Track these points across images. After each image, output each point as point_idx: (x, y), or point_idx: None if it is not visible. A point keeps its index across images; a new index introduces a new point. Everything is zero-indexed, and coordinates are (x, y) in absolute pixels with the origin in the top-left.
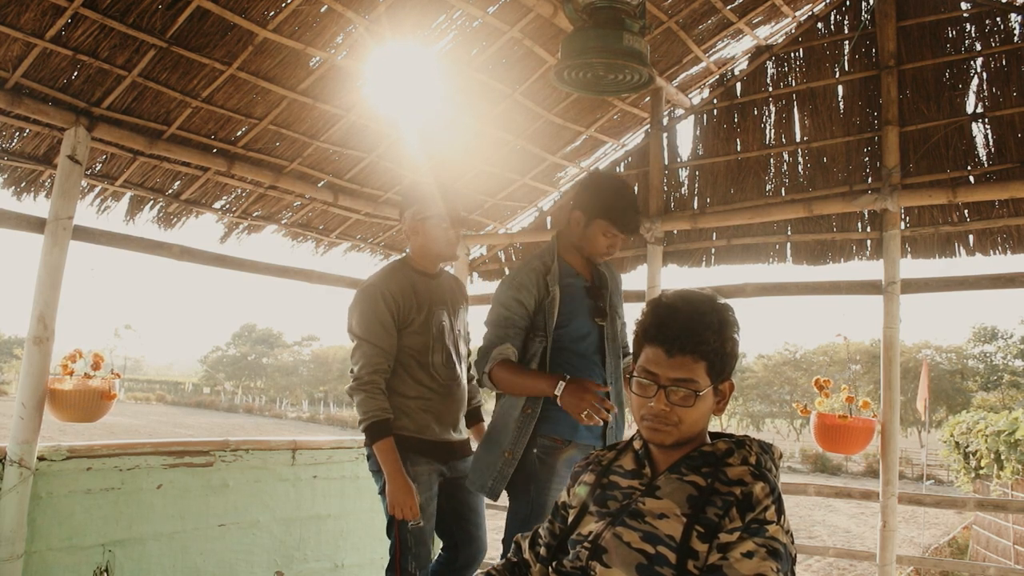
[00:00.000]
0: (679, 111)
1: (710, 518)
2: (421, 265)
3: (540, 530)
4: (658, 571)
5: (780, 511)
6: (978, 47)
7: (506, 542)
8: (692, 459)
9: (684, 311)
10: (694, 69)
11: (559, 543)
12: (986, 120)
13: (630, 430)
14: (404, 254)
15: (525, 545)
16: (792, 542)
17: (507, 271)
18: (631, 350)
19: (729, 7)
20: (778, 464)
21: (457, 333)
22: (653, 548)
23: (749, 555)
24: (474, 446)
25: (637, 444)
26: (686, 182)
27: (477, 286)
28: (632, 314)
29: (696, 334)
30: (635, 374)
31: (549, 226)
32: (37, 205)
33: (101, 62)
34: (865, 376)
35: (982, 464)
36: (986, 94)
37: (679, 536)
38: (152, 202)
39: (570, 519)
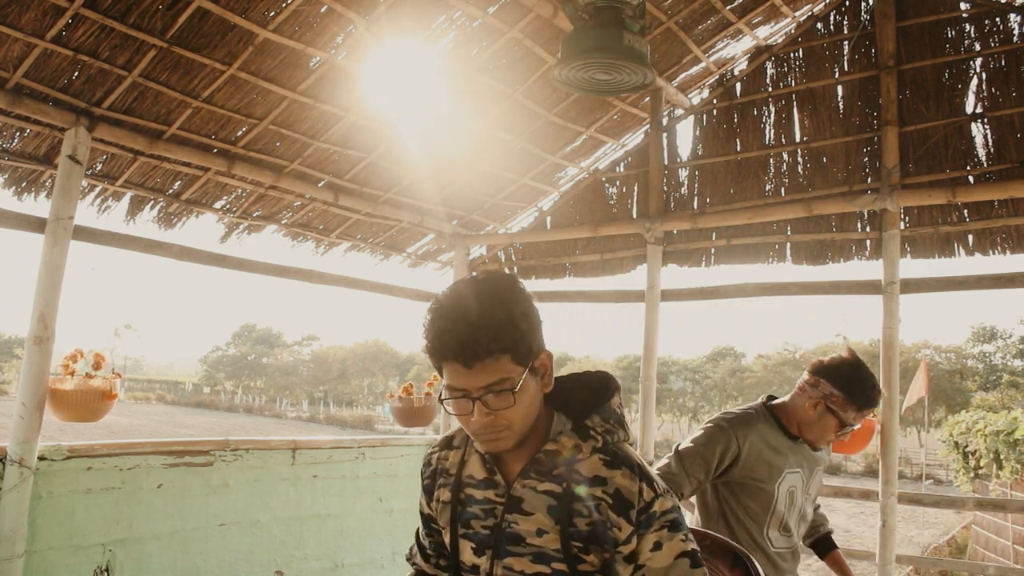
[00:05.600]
0: (679, 111)
1: (580, 530)
2: (788, 423)
3: (424, 542)
4: None
5: (651, 480)
6: (977, 47)
7: None
8: (539, 463)
9: (461, 318)
10: (694, 69)
11: (451, 564)
12: (985, 120)
13: None
14: (770, 401)
15: (420, 561)
16: (672, 495)
17: (507, 271)
18: None
19: (729, 7)
20: (621, 411)
21: (805, 498)
22: (548, 567)
23: (658, 546)
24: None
25: (481, 447)
26: (686, 182)
27: None
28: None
29: (486, 336)
30: (445, 394)
31: (549, 226)
32: (38, 205)
33: (101, 62)
34: None
35: (981, 464)
36: (985, 94)
37: (563, 553)
38: (152, 202)
39: (446, 539)
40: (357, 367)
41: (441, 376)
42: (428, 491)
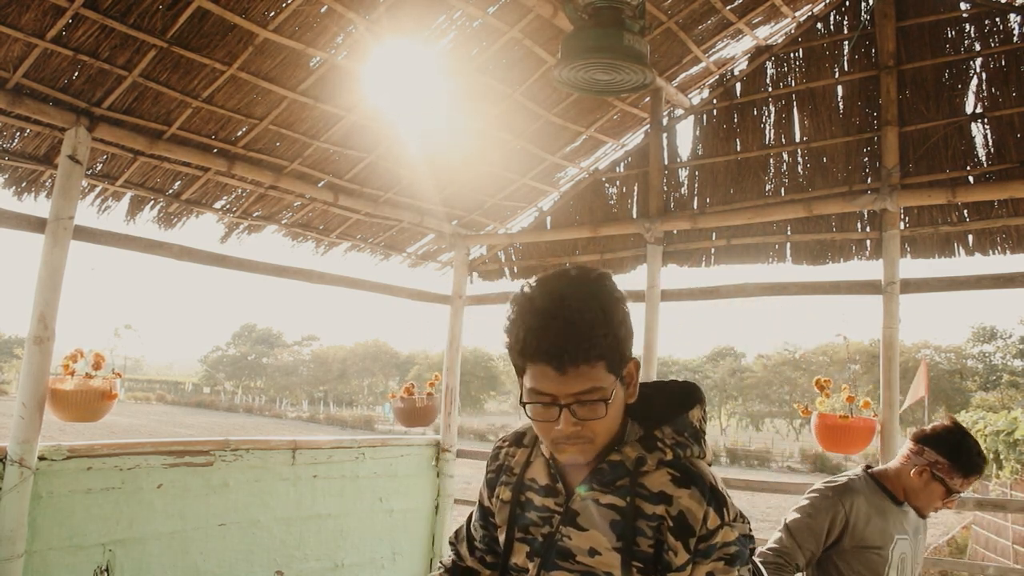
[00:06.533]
0: (679, 111)
1: (644, 551)
2: (894, 490)
3: (473, 532)
4: None
5: (721, 505)
6: (977, 47)
7: None
8: (602, 474)
9: (561, 315)
10: (694, 69)
11: (502, 563)
12: (985, 120)
13: None
14: (869, 469)
15: (464, 551)
16: (744, 520)
17: (506, 271)
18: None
19: (729, 7)
20: (701, 426)
21: (915, 567)
22: None
23: None
24: None
25: (548, 452)
26: (686, 182)
27: (477, 286)
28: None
29: (585, 339)
30: (527, 397)
31: (549, 226)
32: (38, 205)
33: (102, 62)
34: (864, 376)
35: None
36: (985, 94)
37: (619, 572)
38: (152, 202)
39: (500, 537)
40: (357, 367)
41: (521, 377)
42: (491, 485)
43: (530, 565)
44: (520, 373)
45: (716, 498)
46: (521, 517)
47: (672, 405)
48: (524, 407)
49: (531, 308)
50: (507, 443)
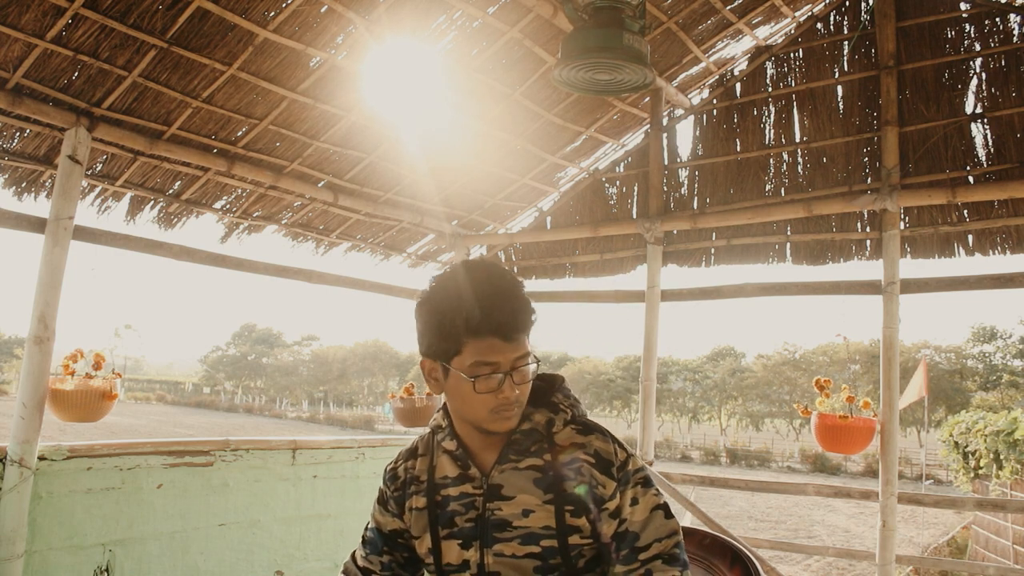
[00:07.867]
0: (679, 111)
1: (572, 494)
2: None
3: (369, 566)
4: (552, 564)
5: (619, 442)
6: (977, 47)
7: None
8: (517, 444)
9: (505, 294)
10: (694, 69)
11: (436, 567)
12: (985, 120)
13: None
14: None
15: None
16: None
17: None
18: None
19: (729, 7)
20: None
21: None
22: (537, 545)
23: (635, 501)
24: None
25: (450, 445)
26: (686, 182)
27: None
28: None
29: (525, 310)
30: (473, 371)
31: (549, 226)
32: (38, 205)
33: (102, 62)
34: (864, 376)
35: (981, 464)
36: (985, 94)
37: (554, 523)
38: (152, 202)
39: (421, 549)
40: (357, 367)
41: (449, 357)
42: (399, 502)
43: (467, 554)
44: (449, 353)
45: (614, 438)
46: (443, 515)
47: (546, 380)
48: (474, 380)
49: (473, 288)
50: (401, 460)
